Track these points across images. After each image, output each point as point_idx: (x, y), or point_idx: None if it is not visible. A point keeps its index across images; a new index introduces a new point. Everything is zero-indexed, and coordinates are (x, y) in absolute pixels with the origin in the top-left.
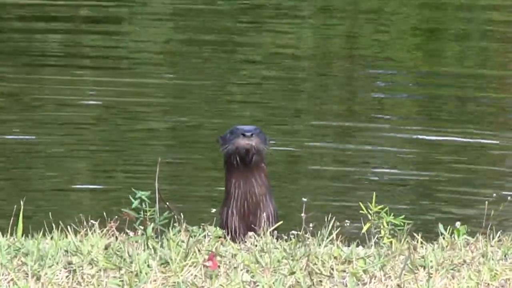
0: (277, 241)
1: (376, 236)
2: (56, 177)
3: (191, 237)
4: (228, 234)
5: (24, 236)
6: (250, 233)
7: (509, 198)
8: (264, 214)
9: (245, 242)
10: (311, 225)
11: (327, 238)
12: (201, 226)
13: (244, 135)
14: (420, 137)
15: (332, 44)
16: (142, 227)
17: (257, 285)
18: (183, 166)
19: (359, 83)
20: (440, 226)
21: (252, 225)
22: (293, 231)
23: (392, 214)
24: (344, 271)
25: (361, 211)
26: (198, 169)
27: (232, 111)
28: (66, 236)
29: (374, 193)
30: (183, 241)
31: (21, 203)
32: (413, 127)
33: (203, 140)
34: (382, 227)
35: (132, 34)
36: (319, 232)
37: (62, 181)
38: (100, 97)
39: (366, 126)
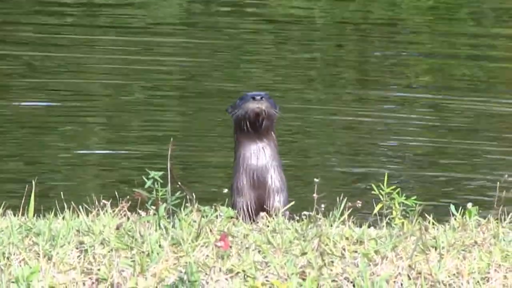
0: (288, 221)
1: (388, 217)
2: (69, 148)
3: (203, 217)
4: (239, 208)
5: (35, 216)
6: (262, 214)
7: None
8: (273, 186)
9: (257, 222)
10: (322, 205)
11: (339, 218)
12: (213, 206)
13: (254, 98)
14: (436, 103)
15: (346, 10)
16: (154, 207)
17: (269, 266)
18: (195, 145)
19: (373, 52)
20: (452, 207)
21: (262, 197)
22: (304, 212)
23: (404, 194)
24: (356, 251)
25: (373, 192)
26: (211, 148)
27: (245, 79)
28: (78, 216)
29: (386, 173)
30: (195, 221)
31: (33, 183)
32: (427, 94)
33: (218, 118)
34: (394, 208)
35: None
36: (330, 212)
37: (75, 155)
38: (115, 64)
39: (380, 94)
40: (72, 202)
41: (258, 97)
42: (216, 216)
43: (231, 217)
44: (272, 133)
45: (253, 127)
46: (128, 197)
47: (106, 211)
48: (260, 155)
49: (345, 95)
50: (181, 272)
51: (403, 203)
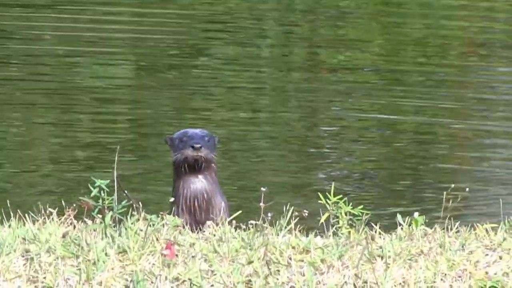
0: (235, 230)
1: (334, 226)
2: (15, 154)
3: (150, 226)
4: None
5: None
6: (209, 222)
7: (467, 189)
8: (217, 210)
9: (204, 231)
10: (269, 214)
11: (285, 227)
12: (160, 215)
13: (193, 147)
14: (381, 116)
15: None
16: (100, 216)
17: (215, 274)
18: (142, 155)
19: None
20: (398, 216)
21: (204, 222)
22: (251, 221)
23: (351, 203)
24: (302, 260)
25: (320, 201)
26: (157, 157)
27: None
28: (24, 224)
29: (333, 183)
30: (141, 230)
31: None
32: (374, 101)
33: (162, 130)
34: (340, 217)
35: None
36: (277, 221)
37: (21, 160)
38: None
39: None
40: (18, 210)
41: (198, 146)
42: (163, 225)
43: (178, 226)
44: (212, 164)
45: (191, 170)
46: (74, 205)
47: (53, 219)
48: (200, 185)
49: (293, 101)
50: (127, 280)
51: (349, 212)
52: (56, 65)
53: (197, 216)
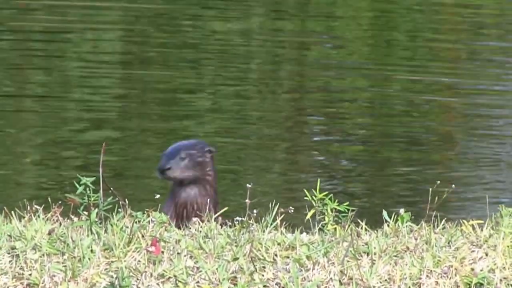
0: (221, 227)
1: (320, 223)
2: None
3: (135, 222)
4: None
5: None
6: (194, 219)
7: (453, 186)
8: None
9: (189, 228)
10: (255, 211)
11: (271, 224)
12: (146, 212)
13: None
14: (372, 89)
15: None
16: (86, 213)
17: (200, 271)
18: (128, 152)
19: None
20: (384, 213)
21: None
22: (237, 217)
23: (337, 200)
24: (288, 257)
25: (305, 197)
26: (143, 155)
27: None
28: (10, 221)
29: (319, 179)
30: (127, 227)
31: None
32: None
33: (151, 127)
34: (326, 213)
35: None
36: (263, 218)
37: (7, 158)
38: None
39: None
40: (4, 207)
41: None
42: (149, 222)
43: (164, 223)
44: (208, 176)
45: (177, 184)
46: (60, 202)
47: (39, 216)
48: (193, 195)
49: (281, 100)
50: (112, 277)
51: (335, 208)
52: (45, 40)
53: (183, 222)
